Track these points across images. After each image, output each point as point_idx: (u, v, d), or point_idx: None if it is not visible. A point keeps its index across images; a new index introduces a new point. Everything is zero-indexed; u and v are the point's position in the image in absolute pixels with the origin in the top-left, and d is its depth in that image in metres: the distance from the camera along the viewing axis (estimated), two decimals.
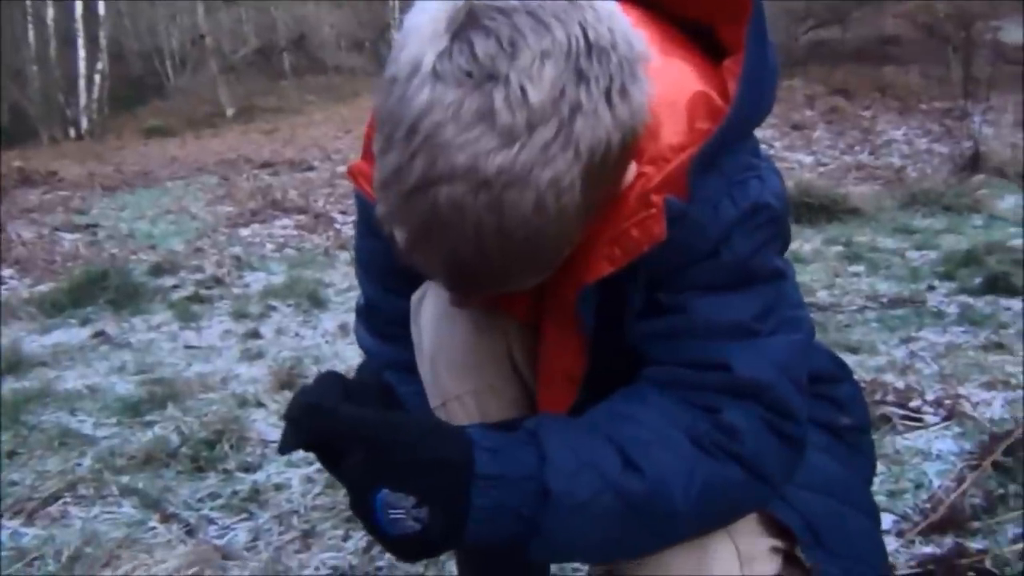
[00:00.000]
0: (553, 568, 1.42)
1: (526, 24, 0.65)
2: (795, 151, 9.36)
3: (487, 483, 0.74)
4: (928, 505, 1.67)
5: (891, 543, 1.56)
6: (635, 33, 0.70)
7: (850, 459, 1.01)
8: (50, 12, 18.63)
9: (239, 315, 3.71)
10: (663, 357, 0.83)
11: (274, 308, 3.83)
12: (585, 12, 0.67)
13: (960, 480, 1.71)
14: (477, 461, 0.74)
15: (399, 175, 0.66)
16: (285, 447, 0.78)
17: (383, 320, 1.05)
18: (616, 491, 0.76)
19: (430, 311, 0.96)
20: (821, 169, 8.31)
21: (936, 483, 1.77)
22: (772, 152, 8.96)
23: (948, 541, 1.56)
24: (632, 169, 0.76)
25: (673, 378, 0.82)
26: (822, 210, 5.18)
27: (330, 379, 0.85)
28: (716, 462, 0.79)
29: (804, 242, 4.48)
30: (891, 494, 1.76)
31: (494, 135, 0.64)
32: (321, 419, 0.77)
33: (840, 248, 4.42)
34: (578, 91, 0.65)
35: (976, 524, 1.60)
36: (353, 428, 0.76)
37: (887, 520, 1.62)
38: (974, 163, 6.73)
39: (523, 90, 0.64)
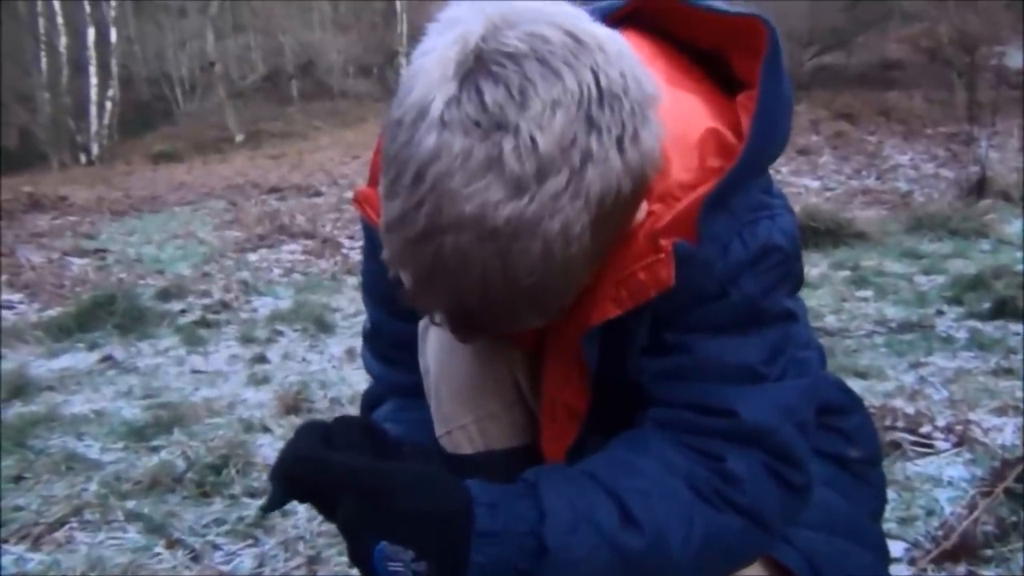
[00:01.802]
0: None
1: (536, 71, 0.64)
2: (801, 176, 9.38)
3: (486, 539, 0.74)
4: (940, 532, 1.65)
5: (903, 571, 1.54)
6: (646, 73, 0.69)
7: (855, 492, 1.00)
8: (63, 40, 18.87)
9: (246, 340, 3.72)
10: (668, 397, 0.83)
11: (281, 333, 3.83)
12: (596, 56, 0.65)
13: (972, 507, 1.69)
14: (477, 516, 0.74)
15: (404, 221, 0.65)
16: (270, 506, 0.78)
17: (387, 344, 1.05)
18: (613, 546, 0.76)
19: (435, 338, 0.96)
20: (827, 194, 8.31)
21: (948, 510, 1.76)
22: (779, 177, 8.97)
23: (960, 569, 1.54)
24: (643, 208, 0.75)
25: (677, 420, 0.82)
26: (828, 235, 5.17)
27: (310, 429, 0.84)
28: (715, 511, 0.79)
29: (811, 267, 4.47)
30: (902, 521, 1.74)
31: (502, 185, 0.63)
32: (310, 469, 0.76)
33: (847, 273, 4.41)
34: (589, 139, 0.64)
35: (988, 552, 1.58)
36: (343, 476, 0.75)
37: (899, 548, 1.61)
38: (980, 188, 6.72)
39: (533, 140, 0.62)
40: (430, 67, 0.65)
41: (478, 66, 0.64)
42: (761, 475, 0.80)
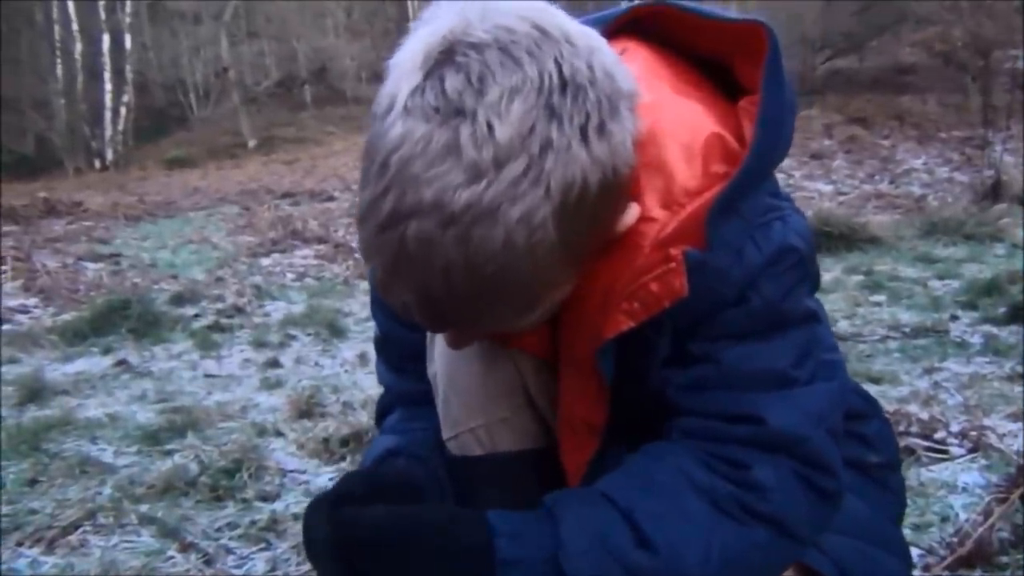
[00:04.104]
0: None
1: (496, 60, 0.65)
2: (814, 180, 9.35)
3: (509, 568, 0.75)
4: (955, 539, 1.63)
5: None
6: (623, 70, 0.69)
7: (878, 498, 0.99)
8: (78, 46, 19.04)
9: (259, 344, 3.73)
10: (694, 408, 0.82)
11: (293, 337, 3.84)
12: (562, 47, 0.66)
13: (987, 513, 1.68)
14: (498, 547, 0.75)
15: (373, 209, 0.66)
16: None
17: (396, 353, 1.05)
18: (626, 568, 0.76)
19: (443, 344, 0.95)
20: (841, 198, 8.28)
21: (962, 516, 1.74)
22: (791, 182, 8.95)
23: None
24: (633, 211, 0.74)
25: (703, 430, 0.81)
26: (842, 239, 5.15)
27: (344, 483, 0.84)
28: (738, 525, 0.78)
29: (824, 271, 4.43)
30: (916, 527, 1.73)
31: (461, 170, 0.63)
32: (339, 531, 0.77)
33: (861, 277, 4.39)
34: (549, 128, 0.64)
35: (1004, 559, 1.57)
36: (372, 530, 0.76)
37: (913, 554, 1.59)
38: (995, 192, 6.68)
39: (490, 126, 0.63)
40: (403, 62, 0.67)
41: (444, 57, 0.66)
42: (789, 482, 0.79)
